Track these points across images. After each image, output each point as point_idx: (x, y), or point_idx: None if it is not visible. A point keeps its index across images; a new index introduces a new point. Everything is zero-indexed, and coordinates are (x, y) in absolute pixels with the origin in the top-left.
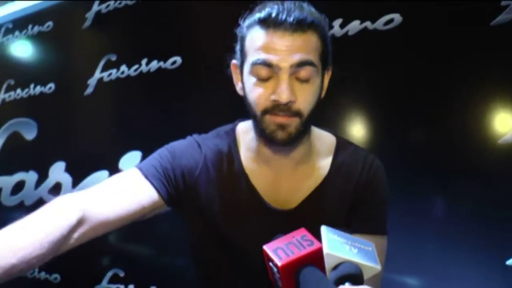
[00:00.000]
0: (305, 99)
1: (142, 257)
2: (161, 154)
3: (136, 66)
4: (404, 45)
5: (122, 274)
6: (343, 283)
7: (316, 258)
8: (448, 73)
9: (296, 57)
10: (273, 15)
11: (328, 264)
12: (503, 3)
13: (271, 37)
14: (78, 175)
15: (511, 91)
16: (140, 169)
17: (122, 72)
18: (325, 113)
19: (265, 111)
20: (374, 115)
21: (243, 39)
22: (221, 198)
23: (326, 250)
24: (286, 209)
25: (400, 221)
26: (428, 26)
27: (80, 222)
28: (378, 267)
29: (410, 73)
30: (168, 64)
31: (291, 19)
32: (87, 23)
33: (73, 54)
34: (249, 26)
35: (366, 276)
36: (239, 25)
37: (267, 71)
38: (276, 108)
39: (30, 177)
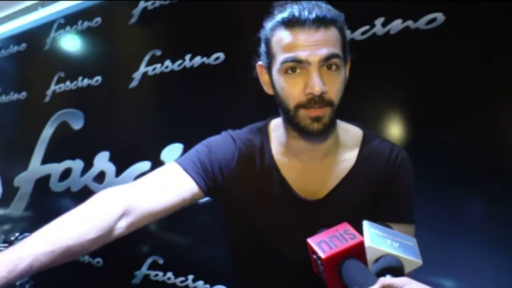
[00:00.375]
0: (335, 88)
1: (181, 246)
2: (198, 149)
3: (180, 61)
4: (446, 45)
5: (161, 262)
6: (384, 275)
7: (358, 251)
8: (489, 75)
9: (324, 51)
10: (296, 14)
11: (370, 257)
12: None
13: (297, 35)
14: (121, 164)
15: None
16: (180, 163)
17: (166, 67)
18: (362, 111)
19: (299, 106)
20: (412, 114)
21: (268, 41)
22: (255, 189)
23: (368, 243)
24: (315, 199)
25: (431, 223)
26: (471, 26)
27: (126, 213)
28: (419, 261)
29: (451, 73)
30: (211, 60)
31: (313, 16)
32: (133, 20)
33: (119, 49)
34: (273, 28)
35: (407, 269)
36: (262, 28)
37: (298, 68)
38: (310, 101)
39: (77, 165)
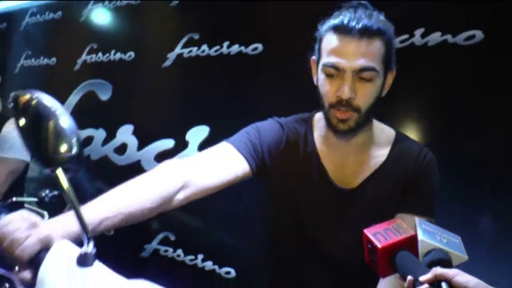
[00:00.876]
0: (364, 97)
1: (194, 226)
2: (249, 131)
3: (217, 47)
4: (482, 62)
5: (172, 238)
6: (435, 266)
7: (409, 244)
8: None
9: (359, 63)
10: (345, 22)
11: (422, 250)
12: None
13: (340, 42)
14: (144, 139)
15: None
16: (233, 144)
17: (203, 51)
18: (393, 115)
19: (331, 105)
20: (437, 124)
21: (320, 41)
22: (297, 173)
23: (420, 237)
24: (348, 188)
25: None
26: (508, 46)
27: (185, 186)
28: (465, 256)
29: (481, 91)
30: (249, 50)
31: (359, 26)
32: (175, 1)
33: (157, 28)
34: (325, 31)
35: (454, 263)
36: (318, 27)
37: (334, 72)
38: (339, 103)
39: (99, 134)
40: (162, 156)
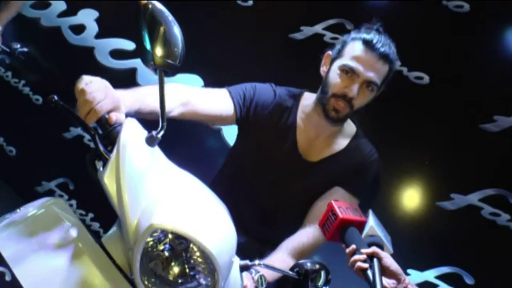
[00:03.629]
0: (361, 100)
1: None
2: (246, 86)
3: None
4: None
5: (71, 187)
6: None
7: (358, 225)
8: None
9: (370, 75)
10: (374, 41)
11: (368, 232)
12: None
13: (364, 54)
14: (106, 31)
15: None
16: (230, 91)
17: None
18: None
19: (334, 95)
20: None
21: (345, 43)
22: (272, 135)
23: (371, 223)
24: (309, 160)
25: None
26: None
27: (184, 104)
28: (391, 250)
29: None
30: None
31: (382, 50)
32: None
33: None
34: (354, 38)
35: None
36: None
37: (350, 73)
38: (342, 97)
39: (58, 4)
40: (118, 54)
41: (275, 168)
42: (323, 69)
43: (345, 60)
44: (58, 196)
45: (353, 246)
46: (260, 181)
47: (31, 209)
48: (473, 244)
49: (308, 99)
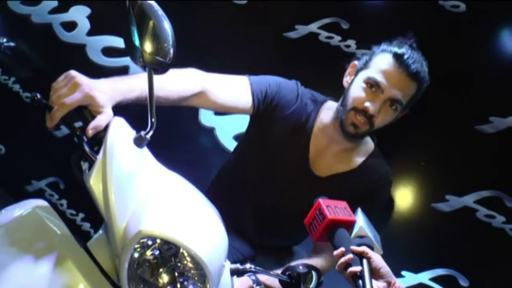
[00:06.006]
0: (382, 119)
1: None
2: (271, 83)
3: None
4: None
5: (62, 186)
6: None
7: (347, 225)
8: None
9: (395, 93)
10: (405, 57)
11: (358, 232)
12: None
13: (393, 68)
14: (98, 28)
15: None
16: (252, 83)
17: None
18: None
19: (354, 109)
20: None
21: (373, 54)
22: (285, 138)
23: (361, 224)
24: (316, 174)
25: None
26: None
27: (200, 94)
28: (381, 251)
29: None
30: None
31: (412, 67)
32: None
33: None
34: (384, 51)
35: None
36: (377, 43)
37: (374, 87)
38: (362, 112)
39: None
40: (110, 52)
41: (280, 175)
42: (346, 80)
43: (371, 72)
44: (48, 195)
45: (342, 249)
46: (264, 186)
47: (13, 212)
48: (468, 246)
49: (330, 108)
